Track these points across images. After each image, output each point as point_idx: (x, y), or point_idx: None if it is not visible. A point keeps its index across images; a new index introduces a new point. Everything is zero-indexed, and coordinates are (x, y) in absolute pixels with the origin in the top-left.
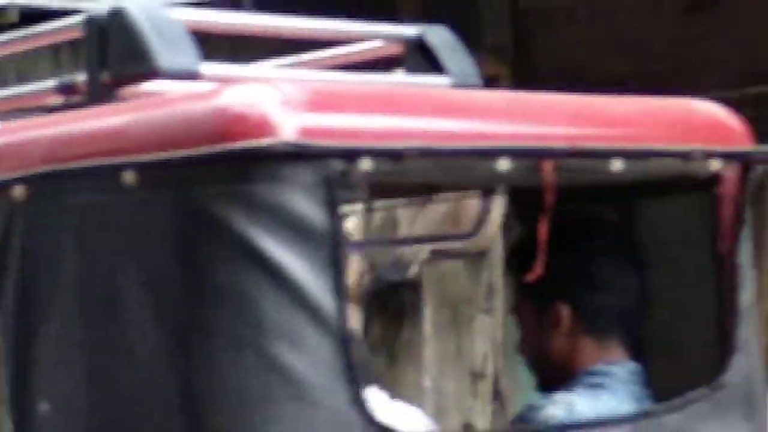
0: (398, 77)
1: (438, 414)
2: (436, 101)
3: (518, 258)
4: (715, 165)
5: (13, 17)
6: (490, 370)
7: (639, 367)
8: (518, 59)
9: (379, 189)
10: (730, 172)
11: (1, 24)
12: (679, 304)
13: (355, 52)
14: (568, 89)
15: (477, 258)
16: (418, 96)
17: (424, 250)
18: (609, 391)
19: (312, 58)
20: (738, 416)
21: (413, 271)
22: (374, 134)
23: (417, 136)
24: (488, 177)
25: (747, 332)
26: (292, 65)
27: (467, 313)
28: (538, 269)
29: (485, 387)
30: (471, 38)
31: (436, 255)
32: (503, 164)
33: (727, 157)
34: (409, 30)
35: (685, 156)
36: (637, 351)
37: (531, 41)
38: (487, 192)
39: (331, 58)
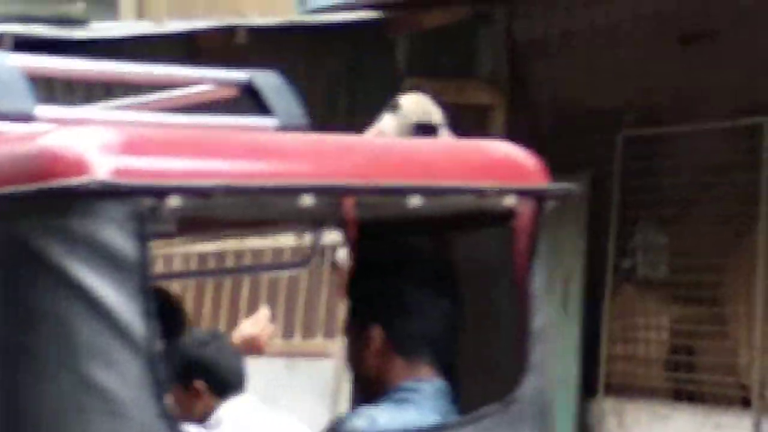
0: (226, 119)
1: None
2: (247, 143)
3: (348, 284)
4: (510, 201)
5: (8, 45)
6: None
7: (446, 384)
8: (514, 89)
9: (198, 224)
10: (524, 208)
11: None
12: (485, 328)
13: (189, 95)
14: (564, 120)
15: None
16: (230, 138)
17: None
18: (414, 406)
19: (150, 100)
20: (529, 429)
21: None
22: (184, 174)
23: (225, 176)
24: (295, 213)
25: (540, 353)
26: (127, 107)
27: None
28: (344, 293)
29: None
30: (467, 68)
31: None
32: (306, 200)
33: (521, 193)
34: (240, 75)
35: (479, 192)
36: (449, 370)
37: (527, 71)
38: (319, 225)
39: (166, 100)
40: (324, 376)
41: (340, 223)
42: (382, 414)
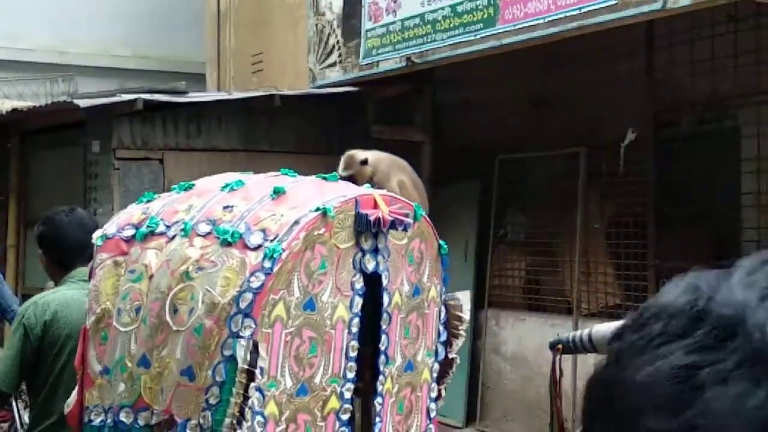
0: None
1: None
2: None
3: None
4: None
5: (140, 106)
6: None
7: None
8: (436, 133)
9: None
10: None
11: None
12: None
13: None
14: (465, 150)
15: None
16: None
17: None
18: None
19: None
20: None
21: None
22: None
23: None
24: None
25: None
26: None
27: None
28: None
29: None
30: (408, 119)
31: None
32: None
33: None
34: None
35: None
36: None
37: (444, 121)
38: None
39: None
40: None
41: None
42: None
